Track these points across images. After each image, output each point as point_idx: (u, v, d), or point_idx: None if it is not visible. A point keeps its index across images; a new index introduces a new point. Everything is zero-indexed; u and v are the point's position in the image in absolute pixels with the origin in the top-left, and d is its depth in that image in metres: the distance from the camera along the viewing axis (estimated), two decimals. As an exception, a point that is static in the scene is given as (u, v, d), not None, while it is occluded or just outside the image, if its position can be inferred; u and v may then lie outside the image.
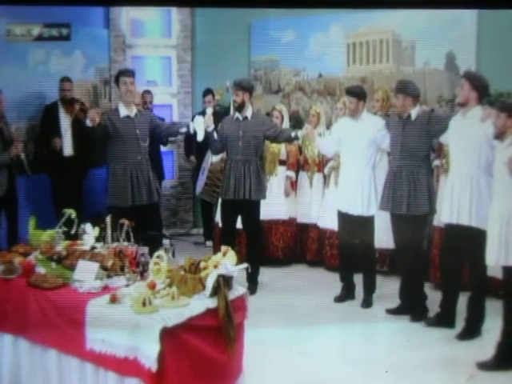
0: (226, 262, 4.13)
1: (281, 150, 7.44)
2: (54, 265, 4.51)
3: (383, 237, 6.43)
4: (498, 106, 5.08)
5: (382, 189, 6.04)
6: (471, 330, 5.46)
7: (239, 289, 4.30)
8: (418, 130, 5.78)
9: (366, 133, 6.15)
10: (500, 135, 4.92)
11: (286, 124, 7.35)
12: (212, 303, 3.99)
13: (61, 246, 4.78)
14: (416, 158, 5.80)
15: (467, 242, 5.35)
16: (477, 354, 5.07)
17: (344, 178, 6.36)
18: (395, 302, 6.06)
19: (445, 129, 5.68)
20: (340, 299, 6.43)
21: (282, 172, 7.51)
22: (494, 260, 4.91)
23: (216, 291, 4.01)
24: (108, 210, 5.77)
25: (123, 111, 6.30)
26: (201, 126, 6.36)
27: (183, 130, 6.54)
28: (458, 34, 7.42)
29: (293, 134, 6.49)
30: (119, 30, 8.88)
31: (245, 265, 4.39)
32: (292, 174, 7.52)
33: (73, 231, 5.01)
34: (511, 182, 4.79)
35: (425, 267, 6.26)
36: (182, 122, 8.08)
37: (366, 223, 6.22)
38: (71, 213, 5.00)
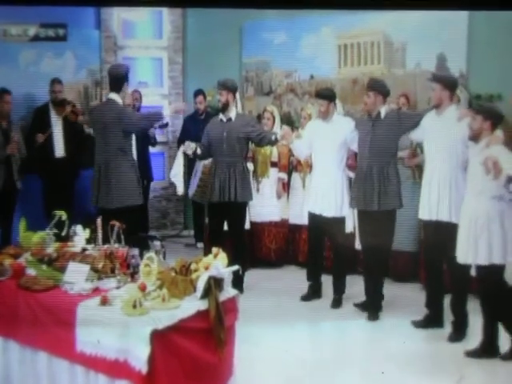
0: (218, 263, 4.13)
1: (272, 151, 7.45)
2: (44, 267, 4.50)
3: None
4: (474, 108, 5.32)
5: (352, 187, 6.21)
6: (461, 331, 5.50)
7: (230, 291, 4.30)
8: (387, 128, 5.90)
9: (338, 134, 6.26)
10: (475, 137, 5.07)
11: (278, 125, 7.35)
12: (203, 305, 3.99)
13: (51, 248, 4.78)
14: (385, 155, 5.92)
15: (447, 237, 5.41)
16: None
17: (317, 180, 6.44)
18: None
19: (414, 126, 5.82)
20: (307, 297, 6.52)
21: (273, 174, 7.52)
22: (463, 258, 5.08)
23: (207, 293, 4.01)
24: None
25: None
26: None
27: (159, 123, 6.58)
28: (448, 36, 7.43)
29: (273, 137, 6.46)
30: (110, 30, 8.87)
31: (236, 267, 4.38)
32: (284, 175, 7.52)
33: (63, 233, 5.00)
34: (483, 184, 4.93)
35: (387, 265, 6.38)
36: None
37: (339, 224, 6.34)
38: (62, 214, 4.99)
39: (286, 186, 7.64)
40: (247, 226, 7.46)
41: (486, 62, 7.15)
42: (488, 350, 5.10)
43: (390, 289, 6.30)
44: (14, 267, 4.53)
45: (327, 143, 6.27)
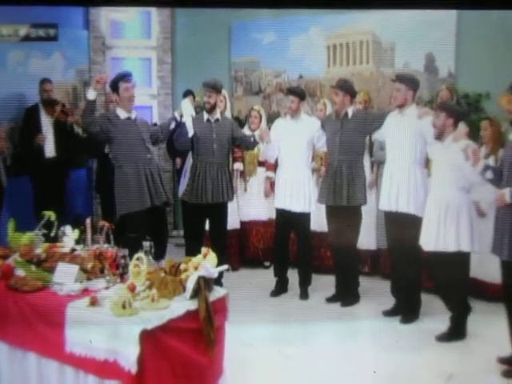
0: (207, 263, 4.13)
1: (260, 150, 7.43)
2: (33, 267, 4.48)
3: (365, 238, 6.72)
4: (438, 106, 5.64)
5: (321, 183, 6.50)
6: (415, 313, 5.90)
7: (220, 291, 4.31)
8: (355, 127, 6.19)
9: (306, 132, 6.49)
10: (439, 135, 5.37)
11: (264, 124, 7.35)
12: (192, 305, 3.99)
13: (40, 249, 4.76)
14: (354, 153, 6.22)
15: (405, 226, 5.73)
16: (455, 354, 5.22)
17: (285, 176, 6.59)
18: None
19: (380, 126, 6.06)
20: (275, 293, 6.70)
21: (261, 173, 7.53)
22: (432, 246, 5.40)
23: (196, 293, 4.01)
24: (122, 218, 5.80)
25: (123, 114, 6.16)
26: (188, 114, 6.40)
27: (173, 125, 6.39)
28: (437, 36, 7.46)
29: (251, 140, 6.63)
30: (99, 31, 8.84)
31: (225, 266, 4.38)
32: (272, 174, 7.46)
33: (52, 234, 4.98)
34: (451, 176, 5.28)
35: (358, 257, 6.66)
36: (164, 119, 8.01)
37: (305, 219, 6.58)
38: (50, 215, 4.97)
39: (273, 185, 7.62)
40: (238, 225, 7.49)
41: (475, 61, 7.18)
42: (456, 334, 5.48)
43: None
44: (3, 268, 4.52)
45: (295, 141, 6.48)
